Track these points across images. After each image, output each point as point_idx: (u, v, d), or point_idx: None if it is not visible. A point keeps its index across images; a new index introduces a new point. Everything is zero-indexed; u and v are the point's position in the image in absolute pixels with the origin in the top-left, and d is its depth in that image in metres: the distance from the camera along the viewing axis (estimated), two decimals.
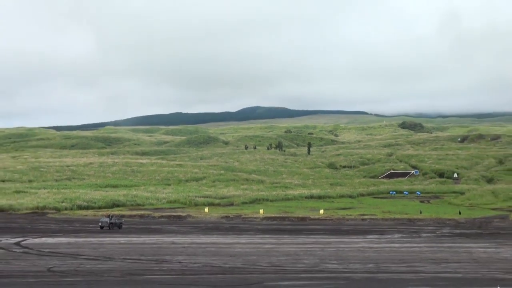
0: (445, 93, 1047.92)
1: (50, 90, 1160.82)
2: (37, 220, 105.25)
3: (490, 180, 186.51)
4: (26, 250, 61.59)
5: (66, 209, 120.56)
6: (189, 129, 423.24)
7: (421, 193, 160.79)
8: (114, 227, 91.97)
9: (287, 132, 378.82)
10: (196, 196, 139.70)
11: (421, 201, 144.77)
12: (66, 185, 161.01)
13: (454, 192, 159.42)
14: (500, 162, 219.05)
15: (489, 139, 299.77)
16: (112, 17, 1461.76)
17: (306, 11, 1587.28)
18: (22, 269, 47.15)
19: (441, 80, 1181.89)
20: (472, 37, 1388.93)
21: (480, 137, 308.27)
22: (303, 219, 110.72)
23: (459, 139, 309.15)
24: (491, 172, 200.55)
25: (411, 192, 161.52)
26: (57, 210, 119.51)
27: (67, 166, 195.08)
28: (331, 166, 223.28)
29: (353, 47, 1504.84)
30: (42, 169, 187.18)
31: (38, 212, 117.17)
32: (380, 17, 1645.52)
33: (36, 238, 75.17)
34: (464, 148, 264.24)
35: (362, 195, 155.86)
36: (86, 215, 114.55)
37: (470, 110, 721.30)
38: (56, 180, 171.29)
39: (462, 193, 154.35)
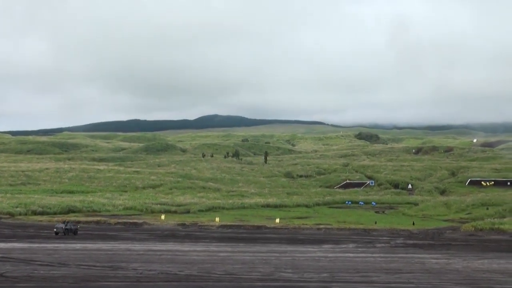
0: (399, 104, 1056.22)
1: (5, 95, 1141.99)
2: None
3: (443, 192, 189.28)
4: None
5: (20, 214, 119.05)
6: (147, 136, 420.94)
7: (376, 203, 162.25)
8: (70, 233, 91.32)
9: (244, 140, 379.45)
10: (152, 203, 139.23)
11: (376, 212, 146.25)
12: (21, 190, 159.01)
13: (408, 203, 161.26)
14: (453, 174, 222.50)
15: (442, 151, 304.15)
16: (70, 23, 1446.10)
17: (264, 22, 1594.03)
18: None
19: (396, 92, 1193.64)
20: (425, 49, 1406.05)
21: (434, 149, 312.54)
22: (259, 227, 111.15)
23: (413, 150, 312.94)
24: (444, 183, 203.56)
25: (367, 203, 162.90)
26: (11, 215, 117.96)
27: (22, 171, 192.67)
28: (288, 175, 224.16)
29: (309, 58, 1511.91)
30: None
31: None
32: (335, 28, 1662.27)
33: None
34: (418, 160, 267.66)
35: (318, 204, 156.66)
36: (41, 221, 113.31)
37: (424, 122, 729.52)
38: (11, 185, 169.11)
39: (416, 204, 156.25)
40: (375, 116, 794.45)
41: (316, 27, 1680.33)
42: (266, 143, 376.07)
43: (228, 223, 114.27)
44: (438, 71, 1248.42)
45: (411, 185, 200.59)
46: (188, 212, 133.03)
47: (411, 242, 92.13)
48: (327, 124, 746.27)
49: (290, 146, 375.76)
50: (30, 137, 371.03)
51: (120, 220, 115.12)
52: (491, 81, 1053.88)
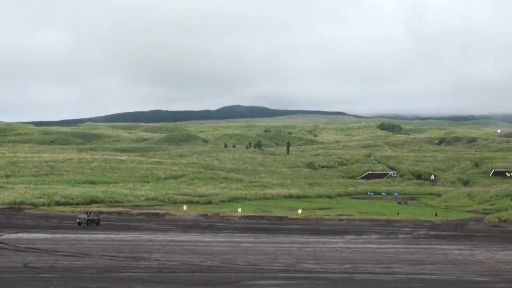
0: (421, 95, 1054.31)
1: (29, 85, 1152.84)
2: (14, 216, 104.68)
3: (466, 183, 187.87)
4: (2, 245, 61.26)
5: (43, 204, 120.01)
6: (169, 127, 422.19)
7: (399, 194, 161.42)
8: (92, 223, 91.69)
9: (266, 131, 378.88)
10: (174, 194, 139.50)
11: (399, 203, 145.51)
12: (44, 180, 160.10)
13: (431, 194, 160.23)
14: (476, 164, 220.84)
15: (465, 141, 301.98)
16: (90, 13, 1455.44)
17: (285, 12, 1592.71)
18: None
19: (417, 82, 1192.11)
20: (445, 39, 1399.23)
21: (457, 139, 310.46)
22: (281, 218, 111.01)
23: (436, 141, 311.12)
24: (467, 174, 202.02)
25: (389, 193, 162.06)
26: (35, 205, 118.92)
27: (46, 162, 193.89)
28: (310, 166, 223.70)
29: (330, 48, 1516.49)
30: (20, 164, 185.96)
31: (15, 208, 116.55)
32: (355, 18, 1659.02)
33: (12, 233, 74.82)
34: (441, 151, 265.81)
35: (340, 195, 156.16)
36: (64, 211, 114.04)
37: (447, 113, 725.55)
38: (34, 176, 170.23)
39: (438, 195, 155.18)
40: (396, 107, 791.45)
41: (336, 17, 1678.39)
42: (288, 133, 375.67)
43: (250, 214, 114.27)
44: (460, 61, 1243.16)
45: (434, 176, 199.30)
46: (210, 202, 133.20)
47: (434, 233, 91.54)
48: (349, 115, 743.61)
49: (312, 137, 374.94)
50: (53, 128, 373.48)
51: (142, 211, 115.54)
52: None
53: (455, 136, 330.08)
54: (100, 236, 74.92)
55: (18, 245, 61.19)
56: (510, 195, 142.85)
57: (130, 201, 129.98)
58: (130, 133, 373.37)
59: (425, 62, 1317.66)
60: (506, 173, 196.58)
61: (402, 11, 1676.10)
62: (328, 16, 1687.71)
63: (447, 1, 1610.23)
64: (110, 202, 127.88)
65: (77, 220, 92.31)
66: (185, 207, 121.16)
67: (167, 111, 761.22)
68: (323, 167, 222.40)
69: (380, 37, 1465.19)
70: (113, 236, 75.66)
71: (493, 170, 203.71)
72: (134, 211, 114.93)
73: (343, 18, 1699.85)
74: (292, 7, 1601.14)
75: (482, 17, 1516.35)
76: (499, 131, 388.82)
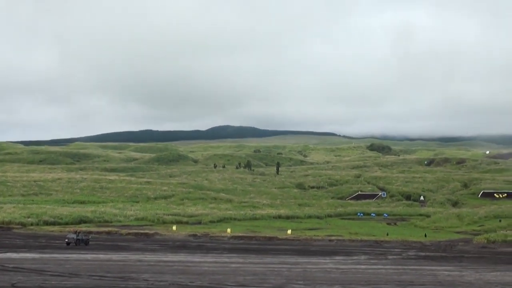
0: (410, 116, 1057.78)
1: (18, 105, 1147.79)
2: (2, 235, 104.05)
3: (455, 204, 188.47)
4: None
5: (32, 224, 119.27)
6: (158, 147, 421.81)
7: (388, 215, 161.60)
8: (81, 243, 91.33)
9: (256, 151, 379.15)
10: (164, 214, 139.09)
11: (388, 223, 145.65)
12: (33, 200, 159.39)
13: (420, 215, 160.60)
14: (465, 185, 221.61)
15: (454, 162, 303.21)
16: (81, 34, 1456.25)
17: (275, 33, 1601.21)
18: None
19: (406, 103, 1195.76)
20: (434, 61, 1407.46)
21: (446, 160, 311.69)
22: (270, 239, 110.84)
23: (425, 162, 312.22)
24: (456, 195, 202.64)
25: (379, 214, 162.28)
26: (23, 225, 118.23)
27: (35, 181, 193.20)
28: (300, 186, 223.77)
29: (320, 69, 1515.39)
30: (8, 184, 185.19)
31: (3, 227, 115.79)
32: (345, 40, 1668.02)
33: (0, 253, 74.41)
34: (430, 171, 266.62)
35: (330, 216, 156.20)
36: (52, 231, 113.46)
37: (436, 134, 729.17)
38: (23, 195, 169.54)
39: (428, 216, 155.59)
40: (386, 128, 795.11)
41: (326, 39, 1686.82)
42: (278, 154, 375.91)
43: (240, 234, 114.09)
44: (448, 83, 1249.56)
45: (423, 196, 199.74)
46: (200, 223, 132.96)
47: (423, 254, 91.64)
48: (339, 135, 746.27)
49: (302, 157, 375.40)
50: (43, 147, 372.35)
51: (131, 231, 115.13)
52: (503, 93, 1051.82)
53: (444, 157, 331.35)
54: (89, 256, 74.63)
55: (6, 265, 60.88)
56: (499, 216, 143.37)
57: (119, 221, 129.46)
58: (119, 153, 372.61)
59: (414, 83, 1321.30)
60: (495, 194, 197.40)
61: (390, 33, 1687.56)
62: (317, 37, 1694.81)
63: (435, 23, 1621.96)
64: (99, 222, 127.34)
65: (66, 240, 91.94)
66: (174, 227, 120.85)
67: (157, 131, 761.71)
68: (312, 187, 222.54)
69: (369, 59, 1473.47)
70: (102, 256, 75.37)
71: (482, 191, 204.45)
72: (123, 231, 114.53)
73: (332, 39, 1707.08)
74: (281, 28, 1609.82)
75: (470, 39, 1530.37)
76: (487, 152, 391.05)
